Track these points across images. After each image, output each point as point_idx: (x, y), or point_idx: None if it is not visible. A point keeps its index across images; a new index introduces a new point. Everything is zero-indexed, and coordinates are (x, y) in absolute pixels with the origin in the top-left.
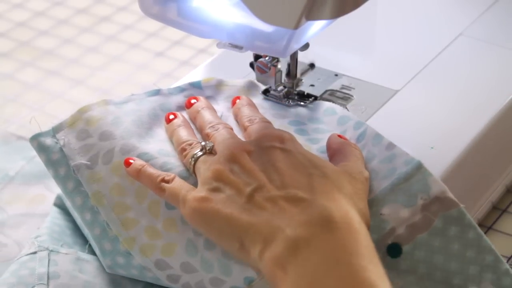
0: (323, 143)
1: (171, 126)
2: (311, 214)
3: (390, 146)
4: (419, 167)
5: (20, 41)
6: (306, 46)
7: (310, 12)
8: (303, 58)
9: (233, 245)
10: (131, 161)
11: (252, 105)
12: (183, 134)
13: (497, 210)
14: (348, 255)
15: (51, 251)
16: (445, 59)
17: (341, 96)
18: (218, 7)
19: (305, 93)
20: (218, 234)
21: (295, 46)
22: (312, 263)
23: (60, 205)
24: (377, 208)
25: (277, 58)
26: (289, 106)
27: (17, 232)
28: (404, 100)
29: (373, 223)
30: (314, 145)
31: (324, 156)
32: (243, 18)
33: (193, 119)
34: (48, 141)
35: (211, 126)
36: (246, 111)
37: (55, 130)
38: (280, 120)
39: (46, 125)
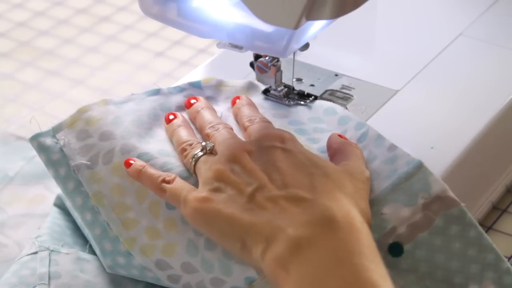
0: (323, 143)
1: (171, 126)
2: (312, 214)
3: (392, 147)
4: (419, 167)
5: (20, 41)
6: (306, 46)
7: (310, 12)
8: (304, 58)
9: (235, 245)
10: (131, 161)
11: (252, 105)
12: (183, 134)
13: (497, 210)
14: (350, 254)
15: (52, 251)
16: (445, 59)
17: (341, 96)
18: (218, 7)
19: (305, 93)
20: (219, 234)
21: (295, 46)
22: (314, 263)
23: (60, 205)
24: (378, 207)
25: (277, 58)
26: (289, 105)
27: (17, 233)
28: (404, 100)
29: (374, 222)
30: (315, 144)
31: (325, 156)
32: (243, 18)
33: (193, 119)
34: (48, 141)
35: (211, 126)
36: (246, 111)
37: (55, 130)
38: (280, 120)
39: (46, 125)
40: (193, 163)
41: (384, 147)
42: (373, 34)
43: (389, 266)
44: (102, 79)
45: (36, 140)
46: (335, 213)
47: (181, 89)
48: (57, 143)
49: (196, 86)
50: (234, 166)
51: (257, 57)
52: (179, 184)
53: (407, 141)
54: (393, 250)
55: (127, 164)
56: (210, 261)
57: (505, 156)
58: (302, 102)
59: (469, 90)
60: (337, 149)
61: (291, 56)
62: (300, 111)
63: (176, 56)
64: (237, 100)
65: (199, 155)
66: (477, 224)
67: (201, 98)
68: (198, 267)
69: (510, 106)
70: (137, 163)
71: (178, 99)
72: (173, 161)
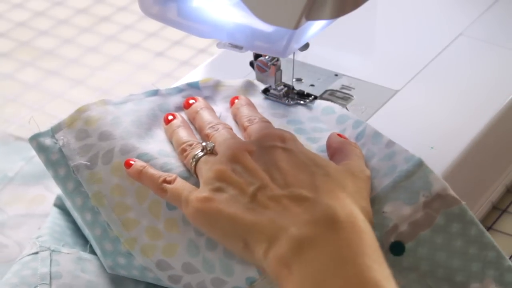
0: (323, 142)
1: (171, 127)
2: (315, 213)
3: (390, 143)
4: (420, 165)
5: (20, 41)
6: (306, 46)
7: (310, 12)
8: (304, 58)
9: (237, 244)
10: (131, 162)
11: (251, 105)
12: (183, 134)
13: (497, 210)
14: (354, 254)
15: (53, 251)
16: (445, 59)
17: (341, 96)
18: (218, 7)
19: (305, 92)
20: (221, 234)
21: (295, 46)
22: (317, 263)
23: (60, 205)
24: (379, 206)
25: (277, 57)
26: (289, 105)
27: (17, 233)
28: (404, 100)
29: (376, 221)
30: (314, 144)
31: (324, 155)
32: (243, 18)
33: (192, 119)
34: (47, 141)
35: (211, 127)
36: (245, 111)
37: (54, 130)
38: (279, 119)
39: (46, 125)
40: (194, 163)
41: (382, 143)
42: (373, 34)
43: (390, 265)
44: (102, 79)
45: (35, 140)
46: (337, 213)
47: (179, 90)
48: (56, 143)
49: (194, 86)
50: (235, 166)
51: (257, 56)
52: (180, 184)
53: (407, 141)
54: (394, 249)
55: (128, 165)
56: (211, 261)
57: (505, 156)
58: (301, 102)
59: (469, 90)
60: (337, 149)
61: (291, 56)
62: (299, 111)
63: (176, 56)
64: (236, 100)
65: (199, 155)
66: (478, 222)
67: (199, 99)
68: (199, 267)
69: (510, 106)
70: (137, 163)
71: (177, 99)
72: (173, 162)
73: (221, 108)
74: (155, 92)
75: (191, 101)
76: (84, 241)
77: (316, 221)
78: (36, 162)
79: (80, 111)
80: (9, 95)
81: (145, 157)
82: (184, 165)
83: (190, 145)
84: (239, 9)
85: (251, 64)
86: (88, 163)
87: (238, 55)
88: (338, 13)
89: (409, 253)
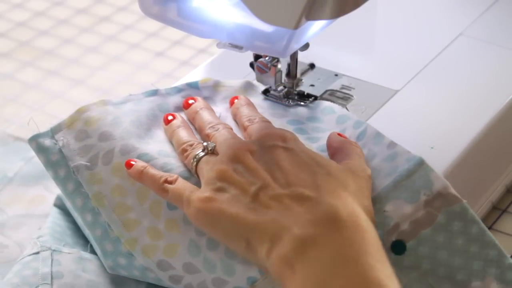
0: (323, 142)
1: (171, 127)
2: (317, 213)
3: (392, 145)
4: (421, 164)
5: (20, 41)
6: (306, 46)
7: (310, 12)
8: (303, 58)
9: (239, 244)
10: (132, 162)
11: (251, 105)
12: (183, 134)
13: (497, 210)
14: (356, 253)
15: (54, 250)
16: (445, 59)
17: (341, 96)
18: (218, 7)
19: (305, 93)
20: (224, 234)
21: (295, 46)
22: (319, 262)
23: (60, 205)
24: (380, 205)
25: (277, 58)
26: (289, 106)
27: (17, 233)
28: (404, 100)
29: (377, 220)
30: (314, 144)
31: (324, 155)
32: (243, 18)
33: (192, 119)
34: (47, 142)
35: (211, 127)
36: (245, 111)
37: (54, 131)
38: (279, 119)
39: (46, 126)
40: (195, 163)
41: (384, 144)
42: (373, 34)
43: (392, 264)
44: (102, 79)
45: (34, 141)
46: (340, 212)
47: (178, 90)
48: (56, 143)
49: (193, 86)
50: (236, 166)
51: (257, 57)
52: (182, 185)
53: (407, 141)
54: (395, 248)
55: (128, 165)
56: (212, 261)
57: (505, 156)
58: (302, 103)
59: (469, 90)
60: (337, 148)
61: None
62: (299, 111)
63: (176, 56)
64: (236, 100)
65: (200, 156)
66: (479, 220)
67: (199, 99)
68: (200, 268)
69: (510, 106)
70: (138, 164)
71: (176, 99)
72: (173, 162)
73: (220, 108)
74: (155, 92)
75: (190, 101)
76: (84, 241)
77: (318, 221)
78: (36, 162)
79: (80, 112)
80: (9, 95)
81: (145, 158)
82: (185, 165)
83: (191, 145)
84: (239, 9)
85: (251, 65)
86: (88, 163)
87: (238, 55)
88: (338, 13)
89: (410, 252)
